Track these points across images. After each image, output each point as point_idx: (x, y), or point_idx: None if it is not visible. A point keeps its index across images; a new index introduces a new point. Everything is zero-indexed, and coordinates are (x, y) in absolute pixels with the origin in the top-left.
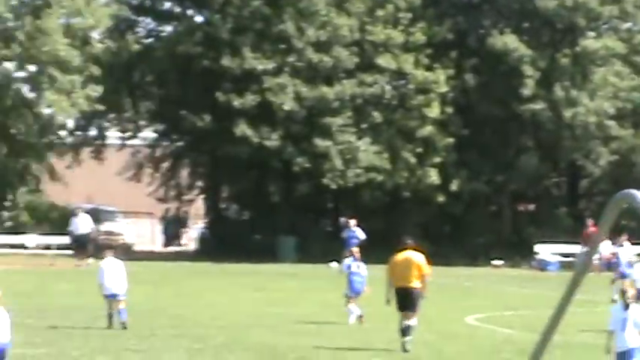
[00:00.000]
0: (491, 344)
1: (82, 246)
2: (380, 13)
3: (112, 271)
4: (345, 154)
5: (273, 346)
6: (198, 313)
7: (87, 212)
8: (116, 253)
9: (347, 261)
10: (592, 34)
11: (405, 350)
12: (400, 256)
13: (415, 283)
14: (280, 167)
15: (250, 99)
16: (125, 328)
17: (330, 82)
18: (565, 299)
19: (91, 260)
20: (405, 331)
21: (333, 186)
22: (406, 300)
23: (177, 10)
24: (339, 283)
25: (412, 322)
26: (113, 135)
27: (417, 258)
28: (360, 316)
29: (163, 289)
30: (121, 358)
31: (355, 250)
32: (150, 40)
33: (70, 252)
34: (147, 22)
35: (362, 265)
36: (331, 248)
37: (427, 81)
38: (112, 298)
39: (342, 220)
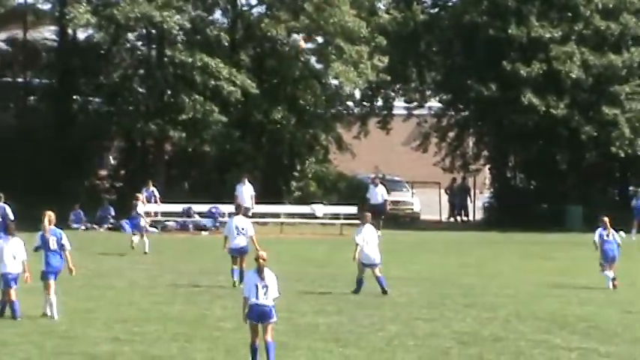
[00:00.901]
0: None
1: (377, 216)
2: None
3: (371, 240)
4: (633, 122)
5: (563, 315)
6: (486, 282)
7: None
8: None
9: (599, 230)
10: None
11: None
12: None
13: None
14: (567, 135)
15: (537, 67)
16: (386, 293)
17: (617, 50)
18: None
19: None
20: None
21: (622, 154)
22: None
23: None
24: (628, 254)
25: None
26: (399, 105)
27: None
28: (614, 279)
29: (450, 259)
30: (410, 327)
31: (605, 219)
32: (435, 9)
33: (358, 222)
34: None
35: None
36: (619, 218)
37: None
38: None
39: (632, 189)
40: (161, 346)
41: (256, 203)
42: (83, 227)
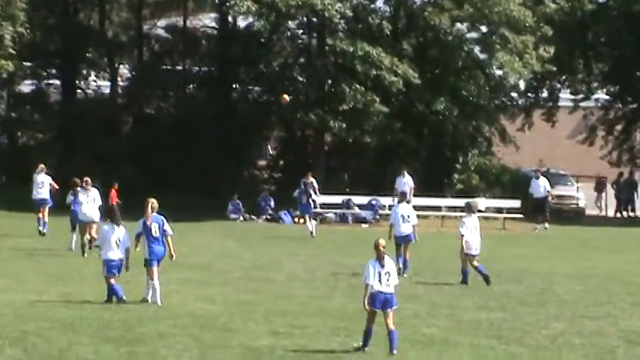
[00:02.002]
0: None
1: (539, 209)
2: None
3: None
4: None
5: None
6: None
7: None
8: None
9: None
10: None
11: None
12: None
13: None
14: None
15: None
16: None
17: None
18: None
19: (547, 225)
20: None
21: None
22: None
23: None
24: None
25: None
26: (564, 97)
27: None
28: None
29: (616, 256)
30: (575, 325)
31: None
32: None
33: (521, 216)
34: None
35: None
36: None
37: None
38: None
39: None
40: (321, 340)
41: (417, 196)
42: (241, 218)
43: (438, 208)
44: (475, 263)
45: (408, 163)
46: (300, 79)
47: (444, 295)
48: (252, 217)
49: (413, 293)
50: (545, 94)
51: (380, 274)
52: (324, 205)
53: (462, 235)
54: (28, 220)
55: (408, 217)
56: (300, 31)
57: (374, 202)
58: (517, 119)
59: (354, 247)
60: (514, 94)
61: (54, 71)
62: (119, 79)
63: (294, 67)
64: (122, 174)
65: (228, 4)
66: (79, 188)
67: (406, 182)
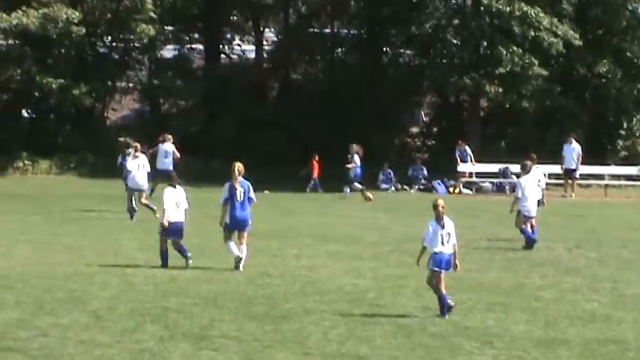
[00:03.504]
0: None
1: None
2: None
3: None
4: None
5: None
6: None
7: None
8: None
9: None
10: None
11: None
12: None
13: None
14: None
15: None
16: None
17: None
18: None
19: None
20: None
21: None
22: None
23: None
24: None
25: None
26: None
27: None
28: None
29: None
30: None
31: None
32: None
33: None
34: None
35: None
36: None
37: None
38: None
39: None
40: (475, 316)
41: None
42: (393, 188)
43: (600, 177)
44: (533, 223)
45: (568, 129)
46: (454, 41)
47: (607, 268)
48: (405, 187)
49: (573, 267)
50: None
51: (442, 235)
52: (479, 174)
53: (517, 198)
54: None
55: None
56: None
57: None
58: None
59: (511, 218)
60: None
61: (196, 35)
62: (264, 43)
63: (447, 29)
64: (268, 142)
65: None
66: (128, 153)
67: (574, 149)
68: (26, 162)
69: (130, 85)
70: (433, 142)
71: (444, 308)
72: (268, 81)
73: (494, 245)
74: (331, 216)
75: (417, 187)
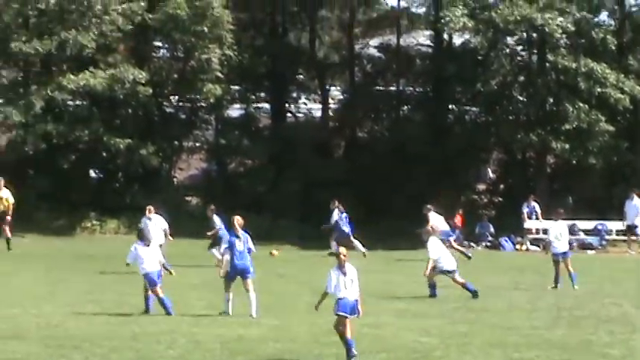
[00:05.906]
0: None
1: None
2: None
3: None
4: None
5: None
6: None
7: None
8: None
9: None
10: None
11: None
12: None
13: None
14: None
15: None
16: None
17: None
18: None
19: None
20: None
21: None
22: None
23: None
24: None
25: None
26: None
27: None
28: None
29: None
30: None
31: None
32: None
33: None
34: None
35: None
36: None
37: None
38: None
39: None
40: None
41: None
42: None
43: None
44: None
45: (636, 185)
46: (520, 98)
47: None
48: (471, 244)
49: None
50: None
51: (344, 281)
52: (547, 231)
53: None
54: None
55: (561, 234)
56: (520, 47)
57: (600, 227)
58: None
59: (579, 276)
60: None
61: (262, 94)
62: (330, 101)
63: (513, 86)
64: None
65: (443, 20)
66: (146, 216)
67: (635, 205)
68: (94, 222)
69: (197, 144)
70: (500, 198)
71: (350, 354)
72: (334, 139)
73: (561, 302)
74: (398, 274)
75: (483, 243)
